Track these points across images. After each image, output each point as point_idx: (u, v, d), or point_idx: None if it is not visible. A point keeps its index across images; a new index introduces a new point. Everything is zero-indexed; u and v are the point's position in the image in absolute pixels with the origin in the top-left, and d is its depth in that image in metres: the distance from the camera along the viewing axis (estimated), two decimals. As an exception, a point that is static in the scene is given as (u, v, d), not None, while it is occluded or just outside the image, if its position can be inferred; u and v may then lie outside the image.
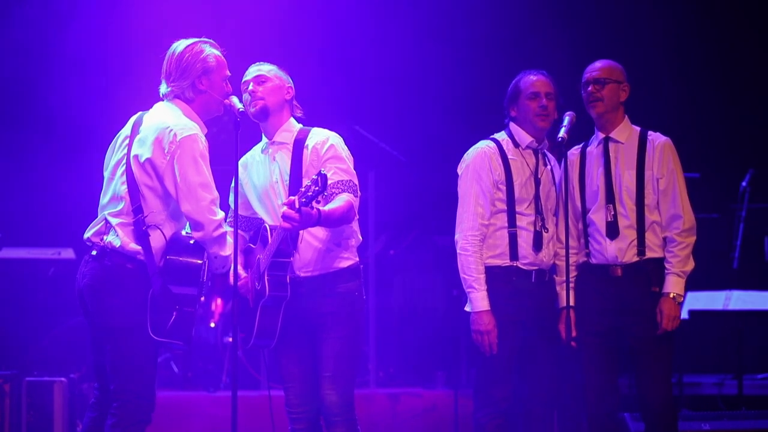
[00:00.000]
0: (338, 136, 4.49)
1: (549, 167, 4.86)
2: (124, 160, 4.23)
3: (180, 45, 4.32)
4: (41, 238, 7.36)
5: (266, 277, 4.32)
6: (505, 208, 4.71)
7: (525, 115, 4.76)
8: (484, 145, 4.78)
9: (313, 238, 4.38)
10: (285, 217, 4.04)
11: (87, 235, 4.27)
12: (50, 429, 6.10)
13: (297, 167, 4.40)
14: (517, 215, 4.70)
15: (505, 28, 8.58)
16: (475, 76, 8.46)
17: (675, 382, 6.88)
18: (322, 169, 4.11)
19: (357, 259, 4.49)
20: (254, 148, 4.62)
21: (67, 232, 6.55)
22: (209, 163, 4.22)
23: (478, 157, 4.74)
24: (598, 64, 4.81)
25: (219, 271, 4.28)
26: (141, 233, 4.16)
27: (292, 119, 4.53)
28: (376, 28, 8.44)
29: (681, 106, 8.65)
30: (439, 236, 8.84)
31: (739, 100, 8.75)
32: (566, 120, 4.70)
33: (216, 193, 4.22)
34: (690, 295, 6.91)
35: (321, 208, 4.12)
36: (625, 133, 4.78)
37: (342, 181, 4.32)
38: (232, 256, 4.16)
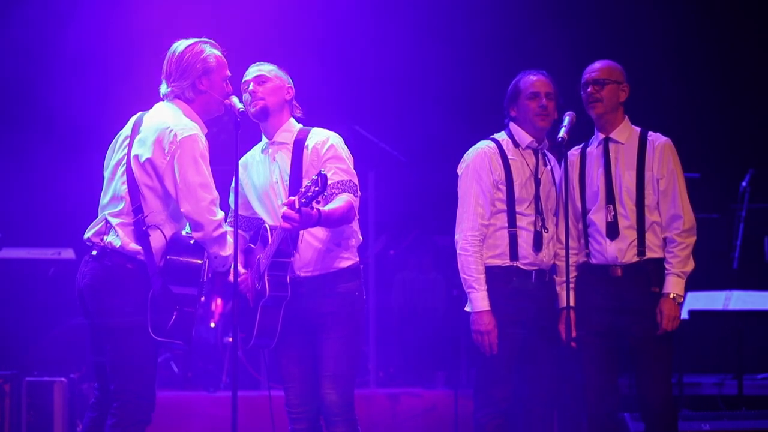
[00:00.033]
0: (338, 136, 4.49)
1: (549, 167, 4.85)
2: (125, 160, 4.23)
3: (180, 45, 4.32)
4: (41, 238, 7.36)
5: (266, 278, 4.31)
6: (505, 208, 4.70)
7: (525, 115, 4.76)
8: (484, 146, 4.78)
9: (313, 238, 4.38)
10: (285, 217, 4.04)
11: (87, 235, 4.26)
12: (50, 429, 6.10)
13: (297, 167, 4.40)
14: (517, 215, 4.70)
15: (505, 28, 8.59)
16: (475, 76, 8.46)
17: (675, 382, 6.89)
18: (323, 170, 4.11)
19: (357, 259, 4.49)
20: (254, 148, 4.61)
21: (67, 232, 6.55)
22: (209, 163, 4.22)
23: (478, 158, 4.74)
24: (597, 64, 4.80)
25: (219, 270, 4.28)
26: (141, 233, 4.16)
27: (292, 119, 4.53)
28: (376, 28, 8.44)
29: (681, 106, 8.66)
30: (439, 236, 8.85)
31: (739, 100, 8.76)
32: (566, 120, 4.69)
33: (216, 194, 4.21)
34: (690, 295, 6.91)
35: (321, 208, 4.12)
36: (625, 133, 4.78)
37: (342, 181, 4.32)
38: (233, 256, 4.16)
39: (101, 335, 4.21)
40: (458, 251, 4.70)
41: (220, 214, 4.22)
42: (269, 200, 4.47)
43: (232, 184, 4.42)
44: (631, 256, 4.67)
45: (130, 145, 4.24)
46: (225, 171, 4.50)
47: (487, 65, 8.34)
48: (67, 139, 7.77)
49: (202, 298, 4.28)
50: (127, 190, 4.19)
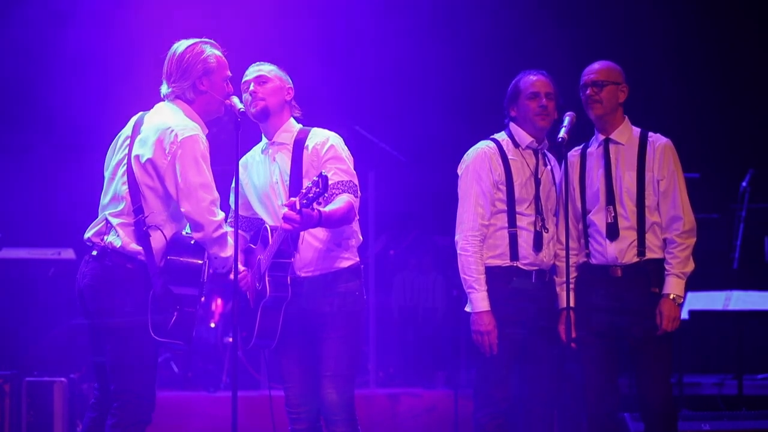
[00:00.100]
0: (338, 136, 4.49)
1: (549, 167, 4.85)
2: (125, 161, 4.23)
3: (181, 45, 4.32)
4: (41, 238, 7.36)
5: (267, 278, 4.32)
6: (506, 208, 4.70)
7: (525, 115, 4.76)
8: (484, 146, 4.78)
9: (313, 238, 4.38)
10: (286, 218, 4.04)
11: (87, 235, 4.26)
12: (50, 429, 6.10)
13: (297, 168, 4.40)
14: (517, 215, 4.70)
15: (505, 28, 8.59)
16: (475, 76, 8.47)
17: (675, 382, 6.89)
18: (323, 171, 4.10)
19: (357, 259, 4.49)
20: (254, 148, 4.61)
21: (67, 232, 6.55)
22: (210, 164, 4.22)
23: (478, 158, 4.74)
24: (596, 65, 4.80)
25: (220, 271, 4.28)
26: (142, 233, 4.16)
27: (292, 119, 4.53)
28: (376, 28, 8.44)
29: (681, 106, 8.66)
30: (439, 236, 8.85)
31: (739, 100, 8.77)
32: (566, 120, 4.69)
33: (216, 194, 4.21)
34: (690, 295, 6.92)
35: (322, 209, 4.12)
36: (626, 134, 4.78)
37: (342, 181, 4.32)
38: (233, 257, 4.16)
39: (101, 335, 4.21)
40: (458, 251, 4.70)
41: (221, 215, 4.22)
42: (269, 201, 4.47)
43: (233, 185, 4.42)
44: (631, 257, 4.67)
45: (130, 146, 4.24)
46: (225, 171, 4.49)
47: (487, 65, 8.34)
48: (67, 139, 7.77)
49: (203, 299, 4.28)
50: (127, 190, 4.19)
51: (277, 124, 4.48)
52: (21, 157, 7.79)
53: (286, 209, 4.05)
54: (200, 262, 4.21)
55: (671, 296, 4.61)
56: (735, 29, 8.63)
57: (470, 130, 5.20)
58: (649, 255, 4.67)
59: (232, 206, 4.45)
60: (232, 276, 4.20)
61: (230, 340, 7.55)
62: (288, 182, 4.40)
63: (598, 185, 4.75)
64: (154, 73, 4.41)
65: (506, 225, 4.70)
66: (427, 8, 8.56)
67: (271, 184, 4.46)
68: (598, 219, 4.73)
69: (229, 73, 4.38)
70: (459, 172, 4.80)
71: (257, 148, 4.59)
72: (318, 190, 3.96)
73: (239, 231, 4.29)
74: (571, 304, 4.73)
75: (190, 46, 4.31)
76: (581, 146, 4.88)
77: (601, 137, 4.80)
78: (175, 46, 4.33)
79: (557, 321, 4.77)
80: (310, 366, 4.44)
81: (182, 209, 4.16)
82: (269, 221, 4.45)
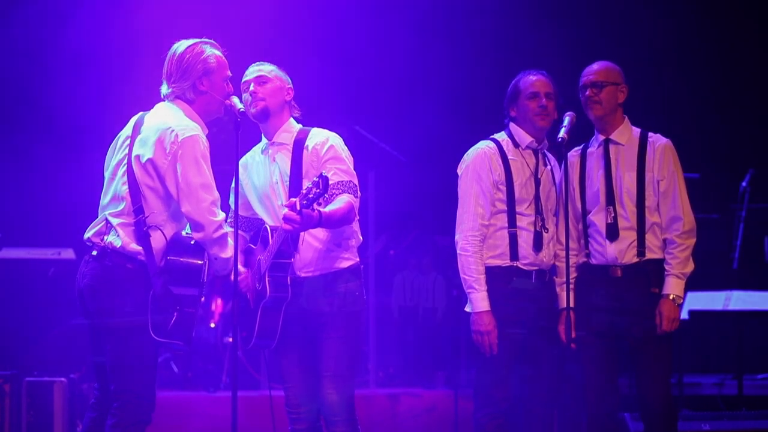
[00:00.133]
0: (338, 136, 4.49)
1: (549, 167, 4.85)
2: (125, 161, 4.23)
3: (181, 46, 4.32)
4: (41, 238, 7.36)
5: (267, 279, 4.32)
6: (505, 208, 4.70)
7: (525, 115, 4.76)
8: (484, 146, 4.78)
9: (313, 238, 4.38)
10: (286, 219, 4.04)
11: (87, 235, 4.26)
12: (50, 429, 6.10)
13: (297, 168, 4.39)
14: (517, 215, 4.70)
15: (504, 27, 8.59)
16: (475, 76, 8.47)
17: (675, 382, 6.89)
18: (324, 171, 4.10)
19: (357, 259, 4.49)
20: (254, 148, 4.61)
21: (67, 232, 6.55)
22: (210, 164, 4.22)
23: (478, 158, 4.74)
24: (595, 66, 4.79)
25: (220, 273, 4.28)
26: (142, 234, 4.16)
27: (291, 120, 4.53)
28: (376, 27, 8.45)
29: (681, 106, 8.66)
30: (439, 236, 8.85)
31: (739, 100, 8.77)
32: (566, 120, 4.69)
33: (217, 194, 4.21)
34: (690, 295, 6.92)
35: (322, 209, 4.12)
36: (626, 134, 4.78)
37: (342, 181, 4.32)
38: (233, 258, 4.15)
39: (101, 335, 4.21)
40: (458, 251, 4.70)
41: (221, 215, 4.22)
42: (269, 201, 4.47)
43: (232, 185, 4.42)
44: (630, 257, 4.67)
45: (131, 146, 4.24)
46: (225, 171, 4.49)
47: (487, 65, 8.34)
48: (67, 139, 7.77)
49: (203, 299, 4.28)
50: (128, 190, 4.19)
51: (277, 125, 4.48)
52: (21, 157, 7.79)
53: (286, 209, 4.05)
54: (200, 262, 4.20)
55: (671, 297, 4.61)
56: (735, 29, 8.63)
57: (470, 130, 5.20)
58: (649, 255, 4.67)
59: (232, 206, 4.44)
60: (232, 277, 4.21)
61: (230, 340, 7.55)
62: (288, 182, 4.40)
63: (598, 186, 4.75)
64: (154, 73, 4.41)
65: (506, 225, 4.69)
66: (427, 8, 8.56)
67: (271, 185, 4.46)
68: (598, 219, 4.73)
69: (229, 73, 4.38)
70: (459, 172, 4.80)
71: (257, 149, 4.59)
72: (318, 190, 3.96)
73: (239, 231, 4.29)
74: (571, 304, 4.73)
75: (190, 46, 4.31)
76: (581, 146, 4.88)
77: (601, 138, 4.80)
78: (175, 46, 4.33)
79: (557, 321, 4.77)
80: (310, 366, 4.44)
81: (183, 209, 4.16)
82: (269, 221, 4.45)
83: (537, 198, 4.73)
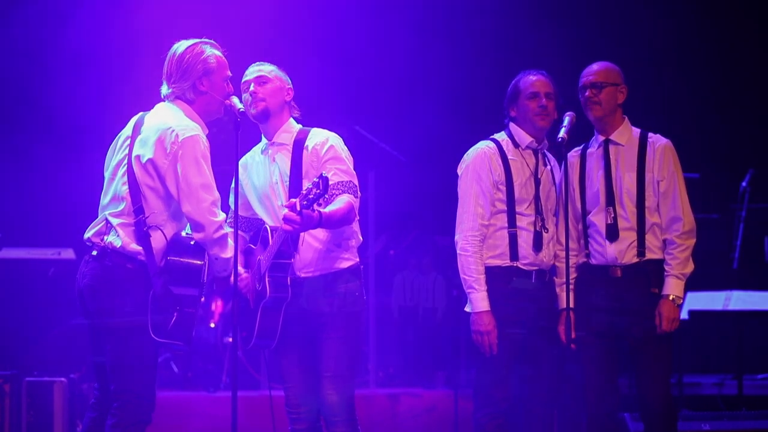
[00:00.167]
0: (338, 136, 4.48)
1: (549, 167, 4.85)
2: (126, 161, 4.23)
3: (180, 46, 4.32)
4: (41, 238, 7.36)
5: (267, 279, 4.32)
6: (505, 208, 4.70)
7: (524, 115, 4.76)
8: (483, 146, 4.78)
9: (313, 239, 4.38)
10: (286, 219, 4.04)
11: (87, 235, 4.26)
12: (50, 429, 6.10)
13: (297, 168, 4.39)
14: (517, 215, 4.70)
15: (504, 27, 8.59)
16: (476, 76, 8.47)
17: (675, 382, 6.89)
18: (323, 171, 4.10)
19: (357, 259, 4.49)
20: (254, 148, 4.61)
21: (67, 232, 6.55)
22: (210, 164, 4.22)
23: (478, 158, 4.74)
24: (594, 67, 4.79)
25: (220, 274, 4.28)
26: (142, 234, 4.16)
27: (291, 120, 4.53)
28: (376, 27, 8.45)
29: (681, 106, 8.66)
30: (439, 236, 8.85)
31: (739, 100, 8.77)
32: (566, 120, 4.69)
33: (217, 195, 4.21)
34: (690, 295, 6.92)
35: (322, 210, 4.12)
36: (625, 135, 4.77)
37: (342, 182, 4.32)
38: (233, 259, 4.15)
39: (101, 335, 4.21)
40: (458, 251, 4.70)
41: (222, 216, 4.22)
42: (269, 201, 4.47)
43: (232, 185, 4.42)
44: (630, 257, 4.67)
45: (131, 146, 4.24)
46: (225, 171, 4.50)
47: (487, 65, 8.34)
48: (67, 139, 7.77)
49: (203, 299, 4.28)
50: (128, 190, 4.19)
51: (276, 125, 4.48)
52: (21, 157, 7.79)
53: (286, 210, 4.05)
54: (200, 262, 4.20)
55: (670, 297, 4.61)
56: (735, 29, 8.63)
57: (470, 130, 5.20)
58: (648, 255, 4.67)
59: (232, 207, 4.44)
60: (232, 279, 4.20)
61: (230, 340, 7.56)
62: (288, 183, 4.40)
63: (598, 186, 4.74)
64: (154, 73, 4.41)
65: (506, 225, 4.69)
66: (427, 8, 8.56)
67: (270, 185, 4.46)
68: (598, 220, 4.73)
69: (229, 73, 4.37)
70: (459, 172, 4.80)
71: (257, 149, 4.58)
72: (318, 191, 3.96)
73: (239, 232, 4.28)
74: (571, 305, 4.73)
75: (190, 46, 4.31)
76: (581, 147, 4.88)
77: (601, 138, 4.79)
78: (175, 46, 4.33)
79: (557, 321, 4.76)
80: (310, 366, 4.44)
81: (183, 209, 4.16)
82: (269, 222, 4.45)
83: (537, 198, 4.73)
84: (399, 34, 8.43)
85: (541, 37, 8.16)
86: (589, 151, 4.84)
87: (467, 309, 4.69)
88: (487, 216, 4.68)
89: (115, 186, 4.24)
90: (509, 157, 4.73)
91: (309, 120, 4.57)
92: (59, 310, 6.93)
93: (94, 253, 4.21)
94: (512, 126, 4.80)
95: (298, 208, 3.98)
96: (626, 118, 4.81)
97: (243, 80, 4.50)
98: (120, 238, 4.17)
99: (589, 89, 4.73)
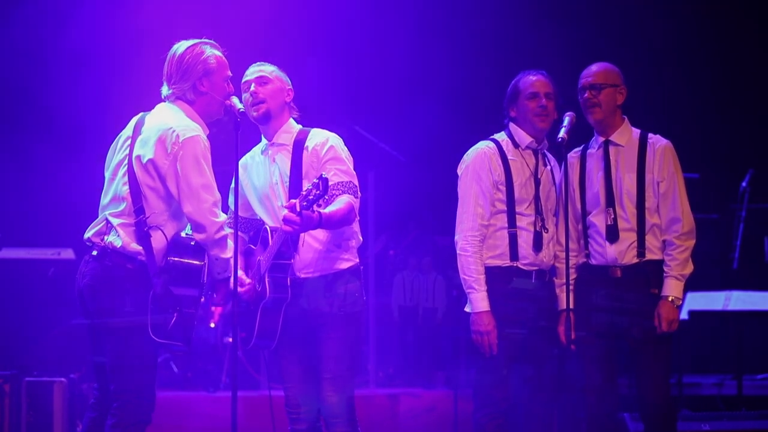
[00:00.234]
0: (338, 137, 4.48)
1: (549, 168, 4.85)
2: (126, 161, 4.23)
3: (181, 46, 4.31)
4: (41, 238, 7.36)
5: (267, 279, 4.32)
6: (505, 208, 4.70)
7: (524, 115, 4.75)
8: (483, 146, 4.78)
9: (313, 239, 4.38)
10: (286, 220, 4.04)
11: (87, 235, 4.26)
12: (50, 429, 6.10)
13: (297, 169, 4.39)
14: (517, 216, 4.70)
15: (504, 27, 8.59)
16: (476, 76, 8.47)
17: (675, 382, 6.89)
18: (323, 172, 4.10)
19: (357, 260, 4.49)
20: (254, 149, 4.61)
21: (67, 232, 6.55)
22: (211, 164, 4.22)
23: (478, 158, 4.73)
24: (593, 68, 4.78)
25: (220, 276, 4.27)
26: (142, 234, 4.16)
27: (291, 120, 4.53)
28: (376, 27, 8.45)
29: (681, 106, 8.67)
30: (439, 236, 8.86)
31: (739, 100, 8.77)
32: (566, 120, 4.69)
33: (218, 195, 4.21)
34: (690, 295, 6.92)
35: (322, 210, 4.12)
36: (625, 136, 4.77)
37: (342, 182, 4.32)
38: (233, 259, 4.15)
39: (101, 335, 4.21)
40: (458, 252, 4.70)
41: (222, 216, 4.22)
42: (269, 202, 4.46)
43: (232, 185, 4.42)
44: (630, 258, 4.67)
45: (131, 146, 4.24)
46: (225, 172, 4.50)
47: (487, 65, 8.35)
48: (67, 139, 7.77)
49: (202, 299, 4.28)
50: (128, 190, 4.19)
51: (277, 126, 4.48)
52: (21, 157, 7.79)
53: (286, 210, 4.05)
54: (200, 263, 4.20)
55: (669, 298, 4.61)
56: (735, 29, 8.63)
57: (470, 130, 5.20)
58: (648, 256, 4.67)
59: (232, 207, 4.44)
60: (232, 281, 4.20)
61: (230, 340, 7.56)
62: (288, 183, 4.40)
63: (598, 187, 4.74)
64: (155, 73, 4.41)
65: (506, 225, 4.69)
66: (427, 8, 8.56)
67: (271, 185, 4.46)
68: (598, 220, 4.73)
69: (229, 73, 4.37)
70: (459, 172, 4.79)
71: (257, 149, 4.58)
72: (318, 192, 3.96)
73: (239, 232, 4.29)
74: (571, 305, 4.72)
75: (190, 47, 4.30)
76: (581, 147, 4.88)
77: (601, 139, 4.79)
78: (175, 47, 4.32)
79: (557, 321, 4.76)
80: (310, 366, 4.44)
81: (184, 210, 4.16)
82: (269, 222, 4.45)
83: (537, 198, 4.72)
84: (399, 34, 8.43)
85: (541, 37, 8.17)
86: (589, 151, 4.84)
87: (467, 309, 4.69)
88: (487, 216, 4.68)
89: (115, 186, 4.24)
90: (509, 157, 4.73)
91: (309, 120, 4.57)
92: (59, 310, 6.93)
93: (94, 253, 4.21)
94: (512, 126, 4.80)
95: (298, 209, 3.98)
96: (626, 118, 4.80)
97: (243, 80, 4.50)
98: (120, 238, 4.17)
99: (588, 90, 4.73)
